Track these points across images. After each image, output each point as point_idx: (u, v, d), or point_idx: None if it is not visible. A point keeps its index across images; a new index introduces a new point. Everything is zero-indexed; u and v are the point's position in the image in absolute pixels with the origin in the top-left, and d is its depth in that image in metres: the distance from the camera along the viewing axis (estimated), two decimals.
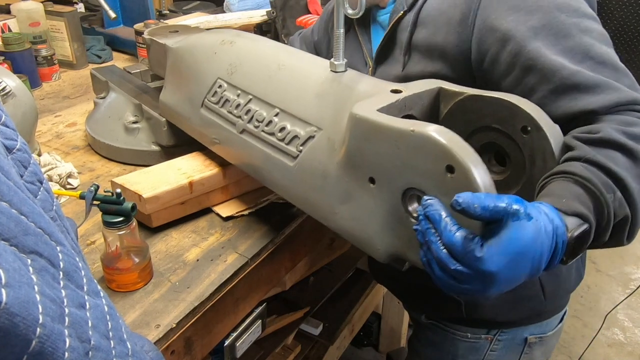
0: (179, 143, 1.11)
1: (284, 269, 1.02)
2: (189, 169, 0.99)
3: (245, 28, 1.71)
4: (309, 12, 1.70)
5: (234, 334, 0.97)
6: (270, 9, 1.70)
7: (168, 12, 2.20)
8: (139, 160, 1.16)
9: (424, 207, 0.58)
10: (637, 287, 2.01)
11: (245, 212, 1.00)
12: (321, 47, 1.19)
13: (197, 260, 0.88)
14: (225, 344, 0.96)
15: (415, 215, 0.63)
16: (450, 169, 0.57)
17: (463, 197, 0.54)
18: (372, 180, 0.68)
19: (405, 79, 0.90)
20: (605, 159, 0.65)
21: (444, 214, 0.56)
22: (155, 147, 1.15)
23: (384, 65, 0.97)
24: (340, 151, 0.72)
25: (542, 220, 0.55)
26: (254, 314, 1.01)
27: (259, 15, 1.77)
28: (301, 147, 0.79)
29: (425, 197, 0.58)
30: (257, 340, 1.09)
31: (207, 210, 1.01)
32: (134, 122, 1.17)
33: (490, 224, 0.55)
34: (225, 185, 1.01)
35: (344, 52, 0.80)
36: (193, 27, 1.27)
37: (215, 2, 2.30)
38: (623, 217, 0.64)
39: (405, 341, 2.10)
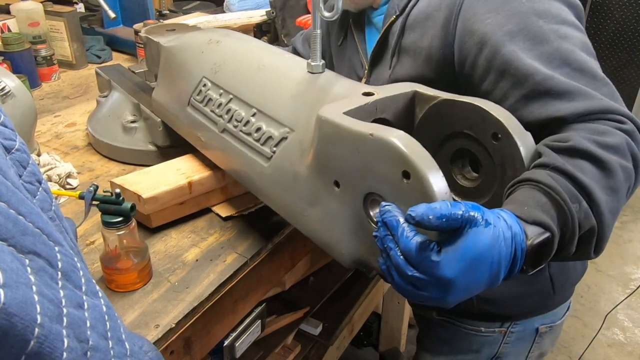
0: (175, 144, 1.11)
1: (283, 269, 1.02)
2: (188, 169, 0.99)
3: (244, 28, 1.71)
4: (308, 12, 1.70)
5: (233, 334, 0.97)
6: (269, 9, 1.70)
7: (168, 12, 2.20)
8: (136, 160, 1.16)
9: (381, 214, 0.58)
10: (637, 287, 2.01)
11: (245, 212, 1.00)
12: (324, 46, 1.19)
13: (196, 260, 0.88)
14: (224, 344, 0.96)
15: (375, 220, 0.62)
16: (406, 174, 0.57)
17: (416, 211, 0.53)
18: (336, 184, 0.67)
19: (394, 82, 0.90)
20: (573, 168, 0.63)
21: (401, 220, 0.56)
22: (152, 147, 1.15)
23: (378, 68, 0.97)
24: (309, 153, 0.72)
25: (500, 226, 0.55)
26: (254, 314, 1.01)
27: (258, 16, 1.77)
28: (275, 148, 0.79)
29: (383, 203, 0.58)
30: (257, 340, 1.09)
31: (206, 211, 1.01)
32: (132, 122, 1.17)
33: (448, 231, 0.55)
34: (224, 185, 1.01)
35: (321, 52, 0.80)
36: (190, 25, 1.27)
37: (215, 2, 2.30)
38: (589, 229, 0.63)
39: (405, 341, 2.10)
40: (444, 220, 0.53)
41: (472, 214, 0.54)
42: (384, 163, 0.59)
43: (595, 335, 2.01)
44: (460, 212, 0.53)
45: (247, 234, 0.95)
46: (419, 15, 0.88)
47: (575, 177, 0.63)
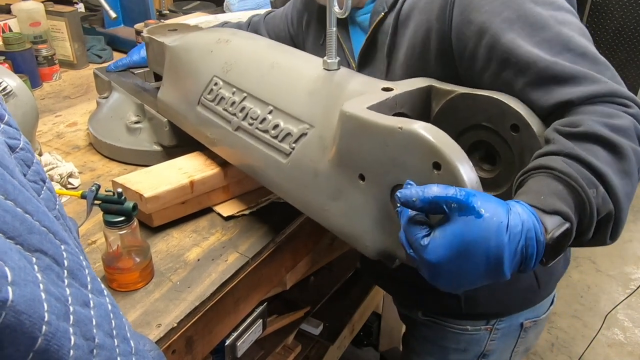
0: (181, 143, 1.11)
1: (284, 269, 1.02)
2: (190, 168, 0.99)
3: None
4: None
5: (235, 334, 0.97)
6: (270, 9, 1.70)
7: (168, 12, 2.20)
8: (140, 160, 1.16)
9: (398, 196, 0.58)
10: (637, 287, 2.01)
11: (246, 212, 1.00)
12: (299, 40, 1.17)
13: (198, 259, 0.89)
14: (226, 344, 0.96)
15: None
16: (436, 165, 0.58)
17: (402, 193, 0.55)
18: (361, 177, 0.68)
19: (391, 76, 0.90)
20: (586, 153, 0.62)
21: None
22: (157, 147, 1.15)
23: (368, 69, 0.96)
24: (332, 149, 0.73)
25: (502, 219, 0.53)
26: (255, 314, 1.01)
27: None
28: (294, 145, 0.79)
29: (399, 191, 0.58)
30: (258, 340, 1.09)
31: (208, 210, 1.01)
32: (136, 122, 1.17)
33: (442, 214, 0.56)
34: (226, 184, 1.01)
35: (336, 50, 0.80)
36: (192, 25, 1.27)
37: (215, 2, 2.30)
38: (606, 214, 0.61)
39: None
40: (427, 202, 0.54)
41: (461, 200, 0.53)
42: (414, 155, 0.60)
43: (595, 335, 2.01)
44: (444, 195, 0.54)
45: (248, 233, 0.95)
46: (410, 12, 0.86)
47: (589, 162, 0.61)
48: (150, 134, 1.16)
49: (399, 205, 0.58)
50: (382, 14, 0.90)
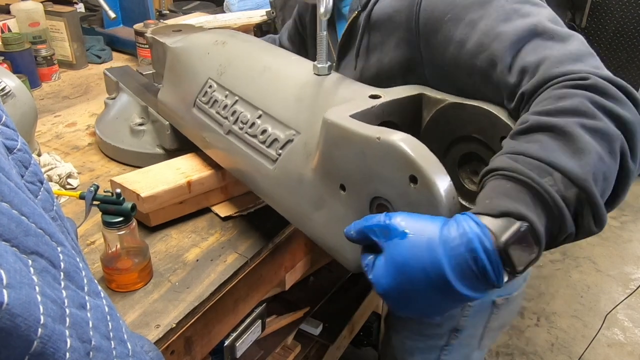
0: (182, 147, 1.10)
1: (283, 269, 1.02)
2: (188, 168, 0.99)
3: (245, 28, 1.71)
4: None
5: (234, 334, 0.97)
6: (270, 9, 1.70)
7: (168, 12, 2.20)
8: (143, 162, 1.14)
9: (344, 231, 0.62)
10: (637, 287, 2.01)
11: (244, 213, 1.00)
12: (310, 44, 1.18)
13: (197, 260, 0.88)
14: (225, 344, 0.96)
15: None
16: (413, 179, 0.56)
17: (347, 227, 0.59)
18: (342, 187, 0.67)
19: (361, 78, 0.91)
20: (530, 144, 0.57)
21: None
22: (159, 150, 1.14)
23: (344, 63, 0.98)
24: (315, 156, 0.71)
25: (428, 235, 0.52)
26: (254, 314, 1.01)
27: (258, 16, 1.77)
28: (280, 151, 0.78)
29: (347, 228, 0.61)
30: (257, 340, 1.09)
31: (207, 210, 1.01)
32: (140, 124, 1.17)
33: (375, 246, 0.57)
34: (224, 185, 1.01)
35: (327, 54, 0.79)
36: (197, 26, 1.27)
37: (215, 2, 2.30)
38: (577, 200, 0.55)
39: None
40: (357, 232, 0.57)
41: (382, 224, 0.55)
42: (391, 167, 0.58)
43: (595, 335, 2.01)
44: (367, 224, 0.56)
45: (247, 234, 0.95)
46: (381, 15, 0.86)
47: (532, 152, 0.56)
48: (153, 136, 1.15)
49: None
50: (356, 12, 0.91)
